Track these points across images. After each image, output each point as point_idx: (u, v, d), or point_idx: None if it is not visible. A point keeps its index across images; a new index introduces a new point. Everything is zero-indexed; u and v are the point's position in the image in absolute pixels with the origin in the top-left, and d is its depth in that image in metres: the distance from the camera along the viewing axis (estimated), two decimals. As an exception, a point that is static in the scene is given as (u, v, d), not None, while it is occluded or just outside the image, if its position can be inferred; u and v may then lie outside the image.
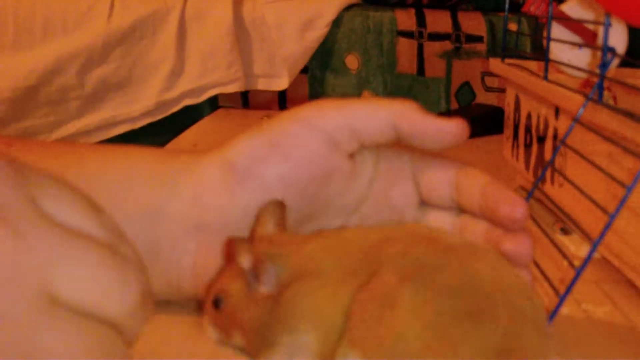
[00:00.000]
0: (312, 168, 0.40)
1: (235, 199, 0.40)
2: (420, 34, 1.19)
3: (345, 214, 0.43)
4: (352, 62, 1.20)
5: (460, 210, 0.41)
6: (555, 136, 0.60)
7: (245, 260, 0.36)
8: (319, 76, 1.21)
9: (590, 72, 0.56)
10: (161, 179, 0.41)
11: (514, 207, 0.38)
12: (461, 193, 0.40)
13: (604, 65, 0.46)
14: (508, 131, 0.75)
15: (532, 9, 0.61)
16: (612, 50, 0.46)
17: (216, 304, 0.38)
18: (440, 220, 0.42)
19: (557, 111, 0.59)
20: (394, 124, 0.40)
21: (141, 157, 0.43)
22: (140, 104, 1.21)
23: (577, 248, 0.54)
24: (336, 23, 1.18)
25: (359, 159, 0.42)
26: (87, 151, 0.44)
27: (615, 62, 0.54)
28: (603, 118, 0.46)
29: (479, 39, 1.19)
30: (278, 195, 0.40)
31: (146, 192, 0.41)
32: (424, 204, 0.43)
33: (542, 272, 0.42)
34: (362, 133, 0.40)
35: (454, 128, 0.39)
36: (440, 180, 0.41)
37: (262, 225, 0.38)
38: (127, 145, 0.45)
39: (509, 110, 0.74)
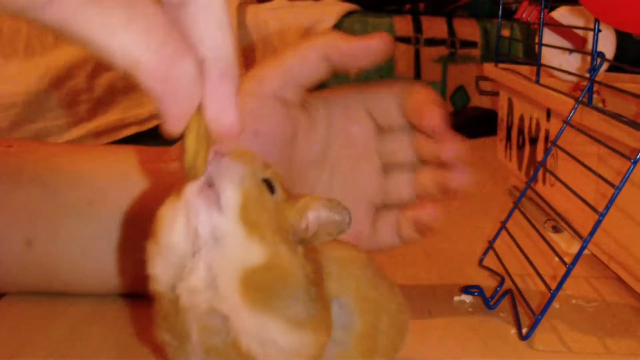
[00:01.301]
0: (279, 132, 0.41)
1: None
2: (417, 40, 1.19)
3: (318, 165, 0.43)
4: (351, 66, 1.19)
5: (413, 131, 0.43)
6: (546, 138, 0.60)
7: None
8: (319, 80, 1.21)
9: (580, 76, 0.56)
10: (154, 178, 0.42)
11: (432, 116, 0.40)
12: (406, 111, 0.42)
13: (593, 70, 0.46)
14: (501, 133, 0.75)
15: (524, 15, 0.61)
16: (601, 55, 0.46)
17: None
18: (397, 147, 0.44)
19: (548, 114, 0.59)
20: (326, 58, 0.41)
21: (132, 154, 0.43)
22: (148, 107, 1.21)
23: (568, 245, 0.54)
24: (336, 29, 1.18)
25: (312, 108, 0.43)
26: (80, 151, 0.45)
27: (604, 66, 0.54)
28: (592, 120, 0.46)
29: (473, 44, 1.19)
30: None
31: (141, 189, 0.41)
32: (382, 132, 0.44)
33: (534, 269, 0.42)
34: (302, 79, 0.41)
35: (378, 42, 0.41)
36: (388, 103, 0.43)
37: None
38: (119, 145, 0.45)
39: (502, 112, 0.74)
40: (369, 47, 0.41)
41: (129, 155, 0.43)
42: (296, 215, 0.29)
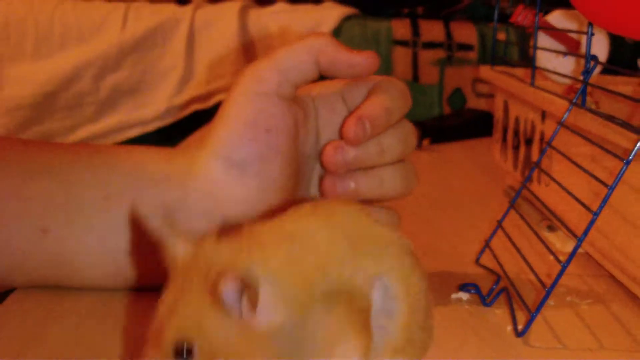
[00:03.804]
0: (286, 128, 0.41)
1: (246, 188, 0.41)
2: (415, 43, 1.19)
3: (313, 156, 0.44)
4: (350, 69, 1.19)
5: None
6: (541, 139, 0.60)
7: (227, 288, 0.24)
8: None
9: (574, 79, 0.56)
10: (169, 180, 0.41)
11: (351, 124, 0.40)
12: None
13: (587, 72, 0.46)
14: (497, 134, 0.75)
15: (519, 19, 0.61)
16: (594, 58, 0.46)
17: (183, 355, 0.25)
18: None
19: (543, 115, 0.59)
20: (317, 62, 0.42)
21: (146, 157, 0.43)
22: (152, 109, 1.21)
23: (563, 244, 0.54)
24: (336, 32, 1.18)
25: (302, 102, 0.43)
26: (96, 148, 0.45)
27: (598, 69, 0.55)
28: (586, 122, 0.46)
29: (470, 47, 1.19)
30: (277, 167, 0.41)
31: (157, 193, 0.41)
32: None
33: (530, 267, 0.42)
34: (296, 79, 0.42)
35: (363, 60, 0.41)
36: (359, 93, 0.43)
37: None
38: (131, 146, 0.45)
39: (498, 114, 0.74)
40: (353, 62, 0.41)
41: (143, 154, 0.43)
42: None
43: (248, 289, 0.24)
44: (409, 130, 0.43)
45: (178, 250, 0.27)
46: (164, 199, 0.41)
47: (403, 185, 0.43)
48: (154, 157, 0.43)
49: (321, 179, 0.42)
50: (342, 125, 0.41)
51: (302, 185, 0.44)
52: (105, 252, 0.41)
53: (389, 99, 0.41)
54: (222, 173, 0.41)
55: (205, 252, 0.26)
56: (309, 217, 0.29)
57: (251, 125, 0.41)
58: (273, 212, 0.36)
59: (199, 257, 0.26)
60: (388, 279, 0.29)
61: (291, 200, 0.41)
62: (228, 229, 0.29)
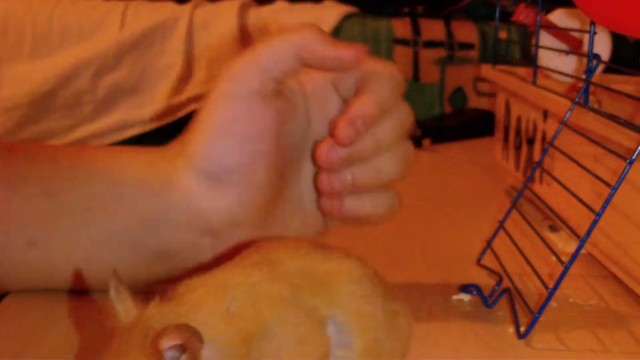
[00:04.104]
0: (269, 127, 0.39)
1: (226, 198, 0.39)
2: (416, 42, 1.19)
3: (301, 147, 0.42)
4: (350, 68, 1.19)
5: None
6: (543, 138, 0.60)
7: (166, 347, 0.24)
8: (319, 82, 1.20)
9: (577, 78, 0.56)
10: (149, 190, 0.40)
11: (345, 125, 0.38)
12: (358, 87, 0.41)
13: (589, 71, 0.46)
14: (499, 134, 0.75)
15: (521, 18, 0.61)
16: (597, 57, 0.45)
17: None
18: None
19: (545, 115, 0.59)
20: (300, 59, 0.39)
21: (127, 163, 0.42)
22: (150, 108, 1.21)
23: (565, 245, 0.54)
24: (336, 32, 1.18)
25: (289, 92, 0.41)
26: (81, 154, 0.43)
27: (600, 68, 0.54)
28: (588, 121, 0.45)
29: (471, 46, 1.19)
30: (260, 173, 0.39)
31: (138, 201, 0.40)
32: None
33: (532, 268, 0.42)
34: (278, 75, 0.39)
35: (350, 54, 0.39)
36: (351, 79, 0.41)
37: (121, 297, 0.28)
38: (113, 149, 0.44)
39: (500, 114, 0.74)
40: (341, 56, 0.39)
41: (125, 159, 0.42)
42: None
43: (187, 347, 0.24)
44: (404, 114, 0.41)
45: (121, 311, 0.27)
46: (144, 209, 0.40)
47: (401, 168, 0.41)
48: (135, 163, 0.41)
49: (316, 174, 0.41)
50: (333, 126, 0.39)
51: (290, 176, 0.42)
52: (92, 264, 0.41)
53: (381, 92, 0.39)
54: (198, 185, 0.39)
55: (146, 313, 0.26)
56: (253, 268, 0.29)
57: (229, 134, 0.39)
58: (235, 250, 0.35)
59: (140, 319, 0.26)
60: (339, 317, 0.30)
61: (245, 243, 0.39)
62: (173, 282, 0.29)
